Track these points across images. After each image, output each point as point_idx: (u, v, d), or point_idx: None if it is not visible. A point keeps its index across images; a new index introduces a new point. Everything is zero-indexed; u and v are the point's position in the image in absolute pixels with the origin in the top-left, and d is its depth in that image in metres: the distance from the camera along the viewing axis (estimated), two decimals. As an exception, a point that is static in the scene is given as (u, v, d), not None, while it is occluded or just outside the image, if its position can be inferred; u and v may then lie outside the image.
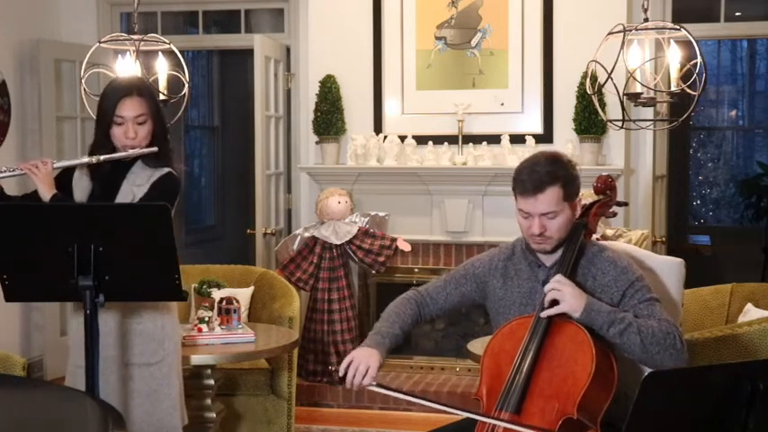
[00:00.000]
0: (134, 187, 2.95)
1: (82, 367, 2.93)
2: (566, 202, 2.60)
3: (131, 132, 2.93)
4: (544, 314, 2.54)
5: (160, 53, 4.36)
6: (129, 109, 2.93)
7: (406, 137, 5.44)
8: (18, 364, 3.20)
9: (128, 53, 4.33)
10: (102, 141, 2.97)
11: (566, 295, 2.51)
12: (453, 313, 2.94)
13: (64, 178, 3.02)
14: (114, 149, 2.96)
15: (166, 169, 2.98)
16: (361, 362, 2.57)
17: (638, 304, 2.59)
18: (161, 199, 2.88)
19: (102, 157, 2.93)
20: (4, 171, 2.89)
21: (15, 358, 3.23)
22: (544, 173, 2.58)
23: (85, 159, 2.95)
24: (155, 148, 2.96)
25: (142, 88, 3.00)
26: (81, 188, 3.01)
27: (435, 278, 2.95)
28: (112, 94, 2.97)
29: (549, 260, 2.70)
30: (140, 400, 2.96)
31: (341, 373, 2.58)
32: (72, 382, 3.01)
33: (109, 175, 2.98)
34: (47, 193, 2.87)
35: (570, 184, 2.61)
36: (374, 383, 2.55)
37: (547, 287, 2.55)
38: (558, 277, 2.55)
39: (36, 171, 2.88)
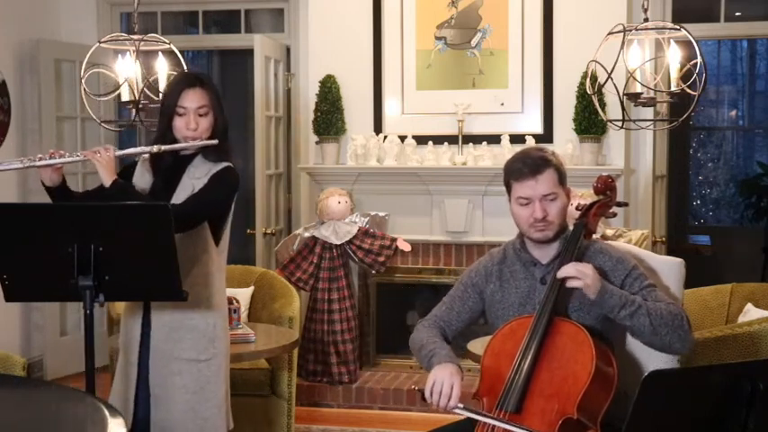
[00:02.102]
0: (193, 180, 2.96)
1: (134, 364, 2.99)
2: (560, 185, 2.66)
3: (193, 123, 2.94)
4: (560, 274, 2.53)
5: (160, 53, 4.36)
6: (192, 100, 2.95)
7: (406, 137, 5.44)
8: (18, 364, 3.20)
9: (128, 53, 4.33)
10: (165, 133, 2.99)
11: (587, 278, 2.51)
12: (467, 329, 2.92)
13: (125, 174, 3.05)
14: (176, 143, 2.98)
15: (226, 163, 2.99)
16: (444, 382, 2.52)
17: (639, 291, 2.61)
18: (220, 191, 2.95)
19: (162, 147, 2.94)
20: (66, 156, 2.90)
21: (15, 358, 3.23)
22: (537, 157, 2.66)
23: (147, 148, 2.97)
24: (215, 141, 2.97)
25: (205, 81, 3.02)
26: (144, 182, 3.03)
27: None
28: (176, 85, 3.01)
29: (544, 257, 2.70)
30: (187, 396, 2.96)
31: (428, 401, 2.53)
32: (121, 378, 3.03)
33: (170, 170, 3.00)
34: (108, 178, 2.88)
35: (560, 170, 2.68)
36: (461, 405, 2.49)
37: (569, 272, 2.53)
38: (571, 264, 2.55)
39: (98, 157, 2.89)
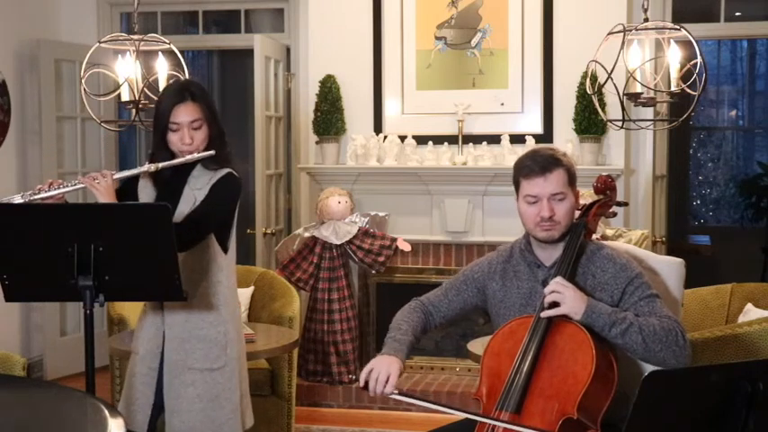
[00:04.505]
0: (195, 191, 2.95)
1: (154, 369, 2.99)
2: (570, 186, 2.65)
3: (187, 138, 2.91)
4: (544, 314, 2.54)
5: (160, 53, 4.36)
6: (184, 114, 2.91)
7: (406, 137, 5.44)
8: (18, 364, 3.19)
9: (128, 53, 4.33)
10: (160, 148, 2.97)
11: (566, 298, 2.51)
12: (458, 320, 2.94)
13: (130, 186, 3.04)
14: (172, 155, 2.96)
15: (226, 170, 2.97)
16: (382, 370, 2.56)
17: (638, 301, 2.59)
18: (221, 199, 2.93)
19: (160, 165, 2.93)
20: (65, 186, 2.89)
21: (15, 358, 3.23)
22: (548, 156, 2.65)
23: (144, 168, 2.95)
24: (212, 152, 2.94)
25: (196, 93, 2.96)
26: (146, 195, 3.02)
27: (435, 278, 2.96)
28: (166, 101, 2.96)
29: (548, 260, 2.70)
30: (202, 405, 2.97)
31: (362, 384, 2.57)
32: (134, 383, 3.02)
33: (171, 182, 2.99)
34: None
35: (571, 170, 2.67)
36: (395, 392, 2.54)
37: (547, 289, 2.55)
38: (559, 279, 2.55)
39: (96, 184, 2.88)
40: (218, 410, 2.99)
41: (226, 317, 3.00)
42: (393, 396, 2.55)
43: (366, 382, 2.56)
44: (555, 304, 2.53)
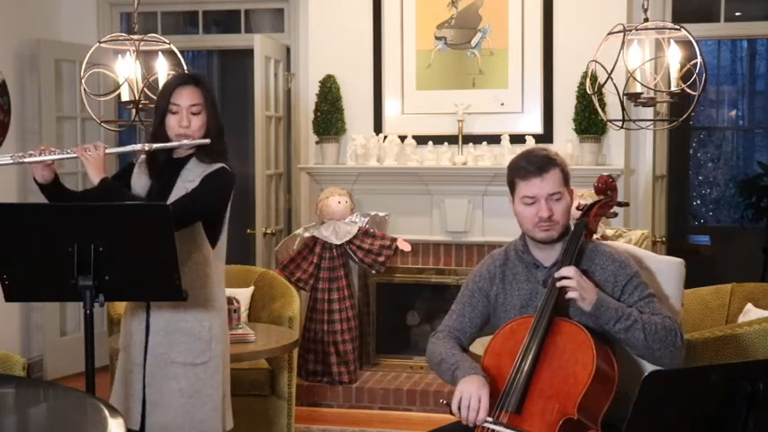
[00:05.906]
0: (187, 183, 2.95)
1: (139, 365, 2.98)
2: (565, 186, 2.66)
3: (185, 121, 2.93)
4: (559, 284, 2.54)
5: (160, 53, 4.36)
6: (185, 97, 2.95)
7: (406, 137, 5.44)
8: (18, 364, 3.19)
9: (128, 53, 4.33)
10: (158, 132, 2.98)
11: (584, 291, 2.52)
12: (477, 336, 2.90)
13: (123, 176, 3.06)
14: (169, 142, 2.97)
15: (220, 164, 2.97)
16: (472, 396, 2.50)
17: (638, 301, 2.61)
18: (210, 192, 2.93)
19: (154, 145, 2.94)
20: (56, 153, 2.91)
21: (15, 358, 3.23)
22: (543, 156, 2.66)
23: (138, 146, 2.96)
24: (207, 140, 2.95)
25: (200, 80, 3.02)
26: (140, 185, 3.03)
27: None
28: (170, 83, 3.02)
29: (547, 260, 2.70)
30: (183, 399, 2.96)
31: (455, 415, 2.52)
32: (125, 379, 3.02)
33: (164, 173, 3.00)
34: (96, 176, 2.89)
35: (565, 170, 2.68)
36: (490, 419, 2.47)
37: (558, 273, 2.55)
38: (572, 269, 2.55)
39: (87, 155, 2.89)
40: (198, 407, 2.97)
41: (212, 312, 2.99)
42: (487, 425, 2.47)
43: (459, 411, 2.51)
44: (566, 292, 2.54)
